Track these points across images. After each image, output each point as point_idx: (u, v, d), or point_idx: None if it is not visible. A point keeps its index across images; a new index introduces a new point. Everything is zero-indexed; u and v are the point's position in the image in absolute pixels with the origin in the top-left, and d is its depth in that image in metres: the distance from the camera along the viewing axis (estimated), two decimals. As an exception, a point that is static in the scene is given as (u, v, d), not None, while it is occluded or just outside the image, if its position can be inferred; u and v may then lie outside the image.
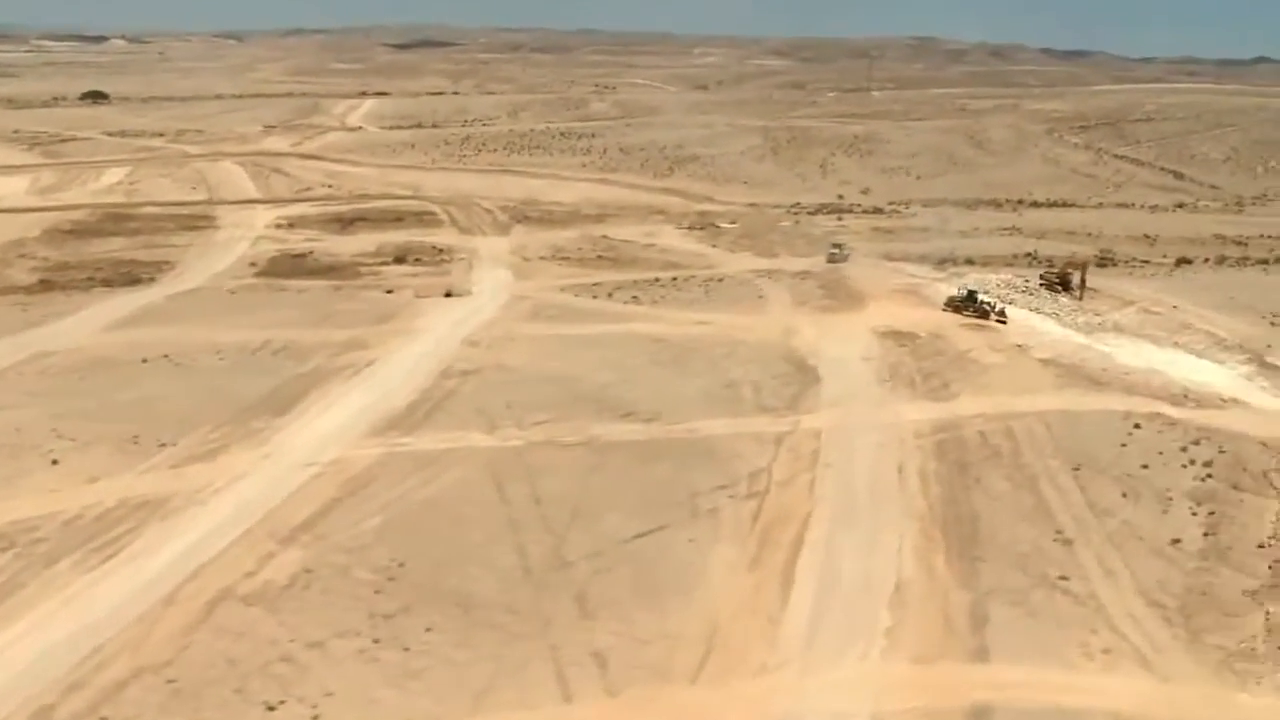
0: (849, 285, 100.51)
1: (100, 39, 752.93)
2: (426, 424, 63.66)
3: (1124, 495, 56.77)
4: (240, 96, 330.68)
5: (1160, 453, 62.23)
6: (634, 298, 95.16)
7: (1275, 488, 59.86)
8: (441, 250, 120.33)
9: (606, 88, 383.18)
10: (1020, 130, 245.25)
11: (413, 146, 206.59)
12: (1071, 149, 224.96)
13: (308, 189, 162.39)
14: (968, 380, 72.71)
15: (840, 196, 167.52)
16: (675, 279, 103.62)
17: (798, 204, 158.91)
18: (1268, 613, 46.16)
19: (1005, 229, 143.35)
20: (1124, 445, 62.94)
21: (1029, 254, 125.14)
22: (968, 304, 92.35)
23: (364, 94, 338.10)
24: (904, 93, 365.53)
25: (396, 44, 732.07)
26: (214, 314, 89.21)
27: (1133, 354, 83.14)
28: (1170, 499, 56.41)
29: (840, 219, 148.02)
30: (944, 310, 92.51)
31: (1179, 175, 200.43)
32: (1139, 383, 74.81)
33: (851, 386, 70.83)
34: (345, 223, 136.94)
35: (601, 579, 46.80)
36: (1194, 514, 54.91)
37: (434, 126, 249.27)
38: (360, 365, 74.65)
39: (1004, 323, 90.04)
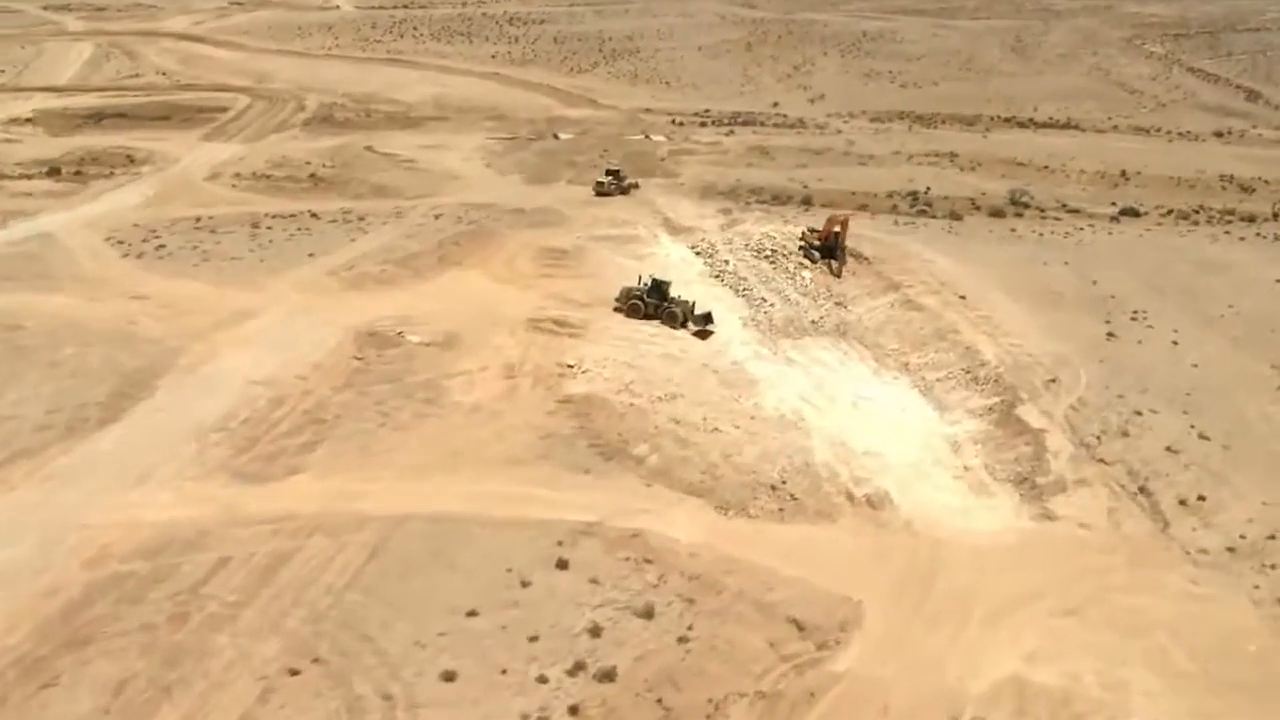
0: (496, 241, 69.24)
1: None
2: None
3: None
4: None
5: (534, 639, 31.99)
6: (159, 248, 66.29)
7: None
8: (133, 161, 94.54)
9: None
10: (1090, 35, 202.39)
11: (330, 29, 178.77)
12: (1140, 59, 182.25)
13: (134, 75, 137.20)
14: (366, 439, 42.22)
15: (775, 105, 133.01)
16: (344, 216, 75.22)
17: (706, 111, 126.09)
18: None
19: (935, 155, 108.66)
20: (473, 614, 32.73)
21: (913, 194, 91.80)
22: (653, 302, 59.60)
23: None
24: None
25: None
26: None
27: (809, 385, 51.28)
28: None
29: (731, 133, 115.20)
30: (616, 310, 60.26)
31: (1254, 95, 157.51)
32: (710, 452, 43.34)
33: (149, 440, 41.22)
34: (92, 120, 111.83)
35: None
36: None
37: (420, 8, 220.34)
38: None
39: (708, 334, 58.16)
